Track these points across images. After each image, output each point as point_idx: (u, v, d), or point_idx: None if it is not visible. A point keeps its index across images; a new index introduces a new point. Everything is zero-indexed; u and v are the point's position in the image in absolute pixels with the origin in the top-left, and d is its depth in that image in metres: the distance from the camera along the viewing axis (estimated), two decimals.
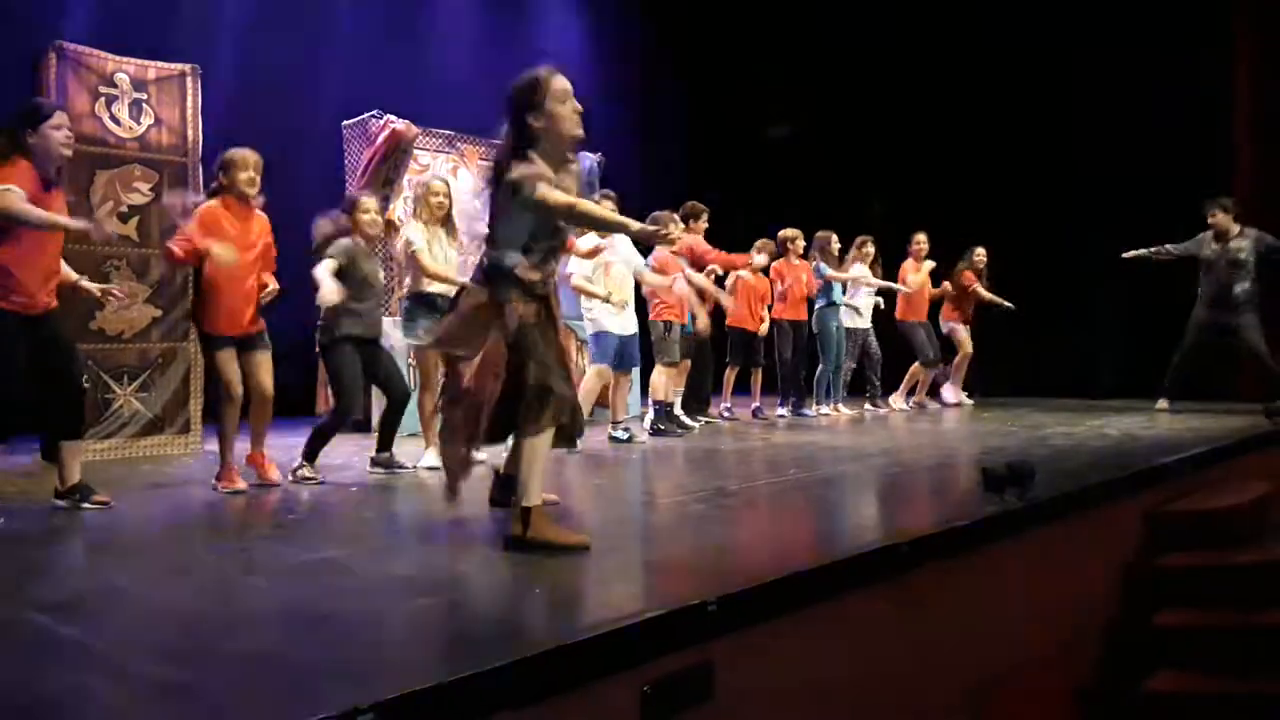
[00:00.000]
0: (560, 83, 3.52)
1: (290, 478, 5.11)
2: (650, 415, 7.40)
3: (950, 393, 9.64)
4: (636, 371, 7.51)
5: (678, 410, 7.63)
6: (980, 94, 10.35)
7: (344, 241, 5.31)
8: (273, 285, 5.05)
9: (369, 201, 5.50)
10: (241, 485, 4.81)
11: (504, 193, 3.51)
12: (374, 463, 5.49)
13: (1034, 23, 9.99)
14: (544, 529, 3.36)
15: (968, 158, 10.32)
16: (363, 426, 7.40)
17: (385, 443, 5.53)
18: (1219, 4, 9.46)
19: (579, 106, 3.56)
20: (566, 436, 3.73)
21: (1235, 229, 7.99)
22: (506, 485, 3.88)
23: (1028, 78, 10.03)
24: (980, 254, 9.52)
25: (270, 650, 2.34)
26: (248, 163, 4.89)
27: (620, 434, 6.81)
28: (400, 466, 5.46)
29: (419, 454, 5.67)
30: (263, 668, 2.24)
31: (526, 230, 3.51)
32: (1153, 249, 8.40)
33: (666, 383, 7.27)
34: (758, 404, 8.78)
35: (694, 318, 7.44)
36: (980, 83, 10.33)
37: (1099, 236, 9.86)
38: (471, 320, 3.54)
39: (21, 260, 4.19)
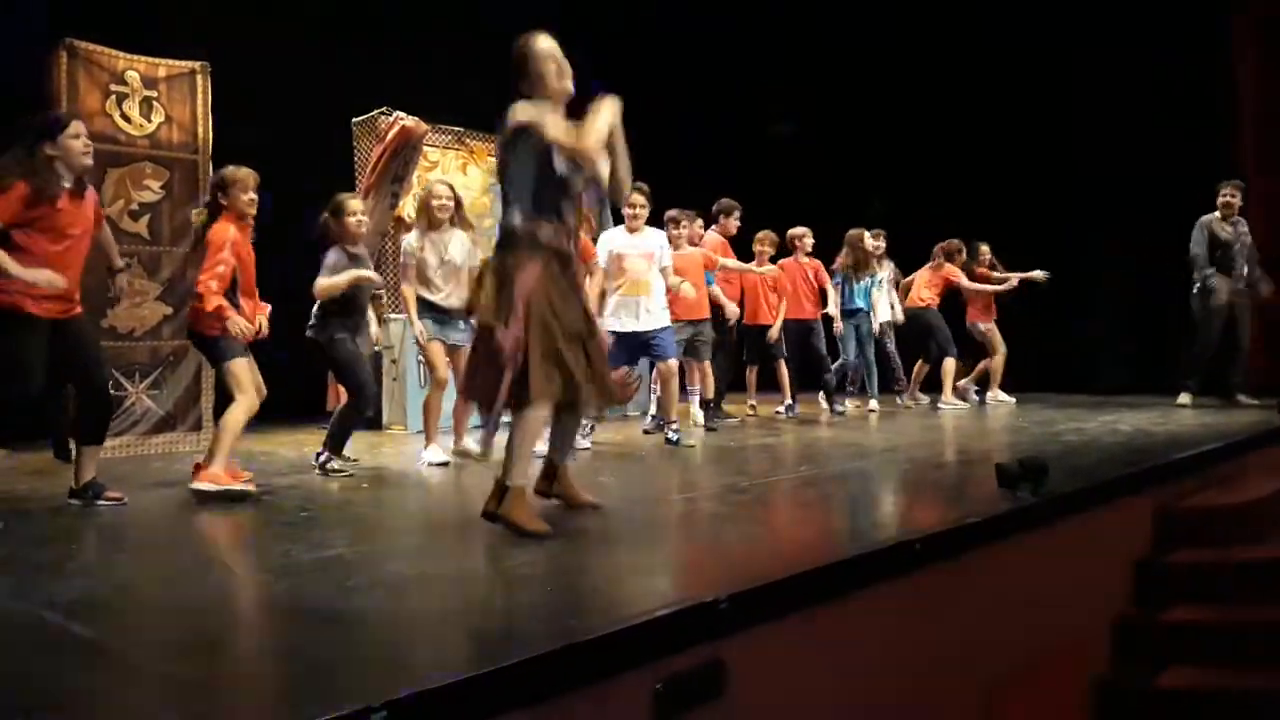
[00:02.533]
0: (542, 44, 3.70)
1: (319, 472, 5.14)
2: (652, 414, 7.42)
3: (975, 392, 9.48)
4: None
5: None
6: (981, 93, 10.31)
7: (333, 259, 5.30)
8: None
9: (354, 203, 5.48)
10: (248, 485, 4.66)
11: (510, 142, 3.62)
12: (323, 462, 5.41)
13: (1034, 22, 9.94)
14: (514, 510, 3.46)
15: (968, 156, 10.28)
16: (374, 423, 7.44)
17: (339, 447, 5.45)
18: (1221, 3, 9.40)
19: (563, 62, 3.71)
20: (575, 407, 3.77)
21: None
22: (549, 475, 3.95)
23: (1028, 77, 9.99)
24: (984, 250, 9.46)
25: (283, 648, 2.35)
26: (249, 184, 4.80)
27: (672, 435, 6.40)
28: (339, 471, 5.32)
29: (418, 452, 5.70)
30: (275, 666, 2.25)
31: (529, 186, 3.59)
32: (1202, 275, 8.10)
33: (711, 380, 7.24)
34: (752, 401, 8.75)
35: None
36: (981, 82, 10.28)
37: (1099, 235, 9.85)
38: (488, 289, 3.58)
39: (55, 263, 4.20)
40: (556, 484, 3.98)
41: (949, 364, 9.11)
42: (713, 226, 8.18)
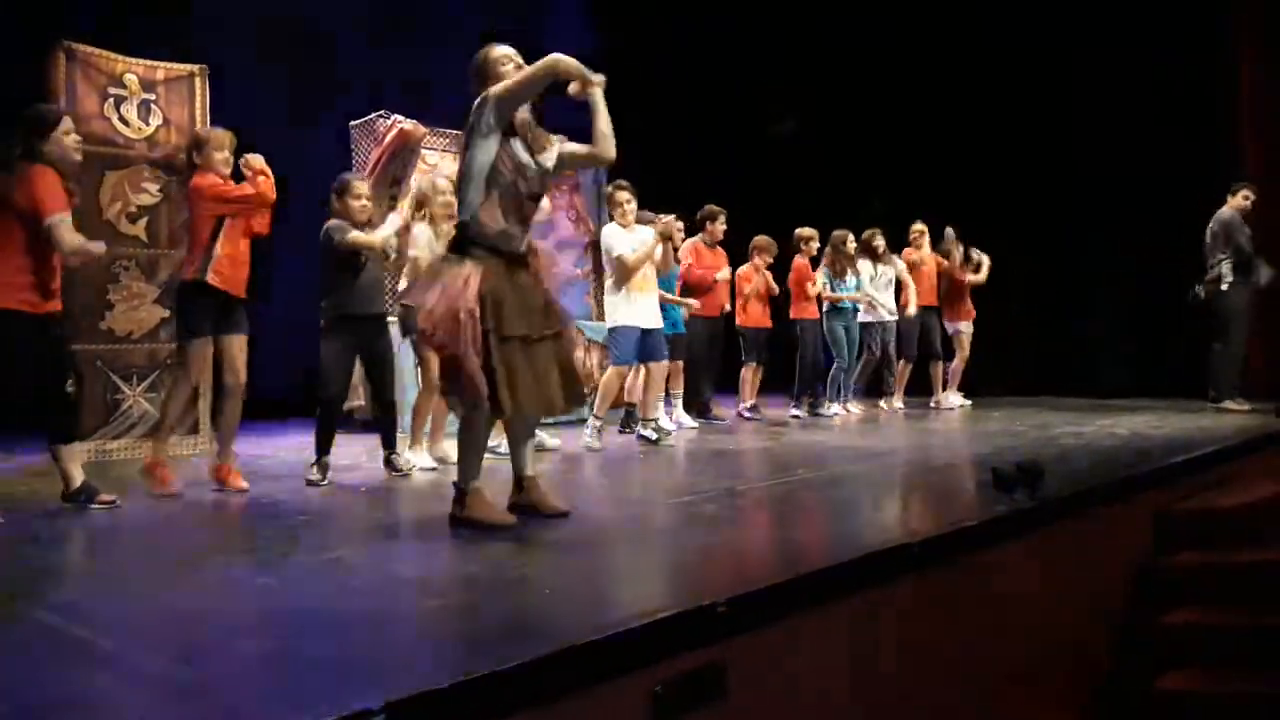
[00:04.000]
0: (498, 51, 3.83)
1: (308, 481, 5.12)
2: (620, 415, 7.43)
3: (950, 396, 9.55)
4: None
5: (661, 414, 7.61)
6: (981, 93, 10.32)
7: (332, 223, 5.29)
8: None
9: (361, 186, 5.45)
10: (173, 489, 4.74)
11: (469, 133, 3.74)
12: (386, 463, 5.43)
13: (1034, 22, 9.95)
14: (474, 509, 3.59)
15: (969, 157, 10.29)
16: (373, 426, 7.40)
17: (387, 443, 5.46)
18: (1221, 2, 9.42)
19: (521, 63, 3.81)
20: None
21: None
22: (519, 485, 3.97)
23: (1028, 77, 10.00)
24: (948, 235, 9.44)
25: (281, 651, 2.35)
26: (222, 142, 4.89)
27: (649, 433, 6.61)
28: (396, 470, 5.37)
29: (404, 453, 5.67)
30: (274, 668, 2.25)
31: (481, 187, 3.68)
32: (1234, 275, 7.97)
33: (634, 384, 7.22)
34: (754, 401, 8.75)
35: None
36: (981, 81, 10.30)
37: (1099, 235, 9.86)
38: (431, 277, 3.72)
39: (34, 260, 4.24)
40: (524, 494, 3.91)
41: (901, 365, 9.28)
42: (699, 234, 8.30)
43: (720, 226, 8.26)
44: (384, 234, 5.32)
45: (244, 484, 4.89)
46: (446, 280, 3.58)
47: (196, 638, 2.50)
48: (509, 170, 3.70)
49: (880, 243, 8.97)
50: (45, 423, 4.49)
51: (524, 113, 3.76)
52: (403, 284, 5.84)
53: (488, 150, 3.68)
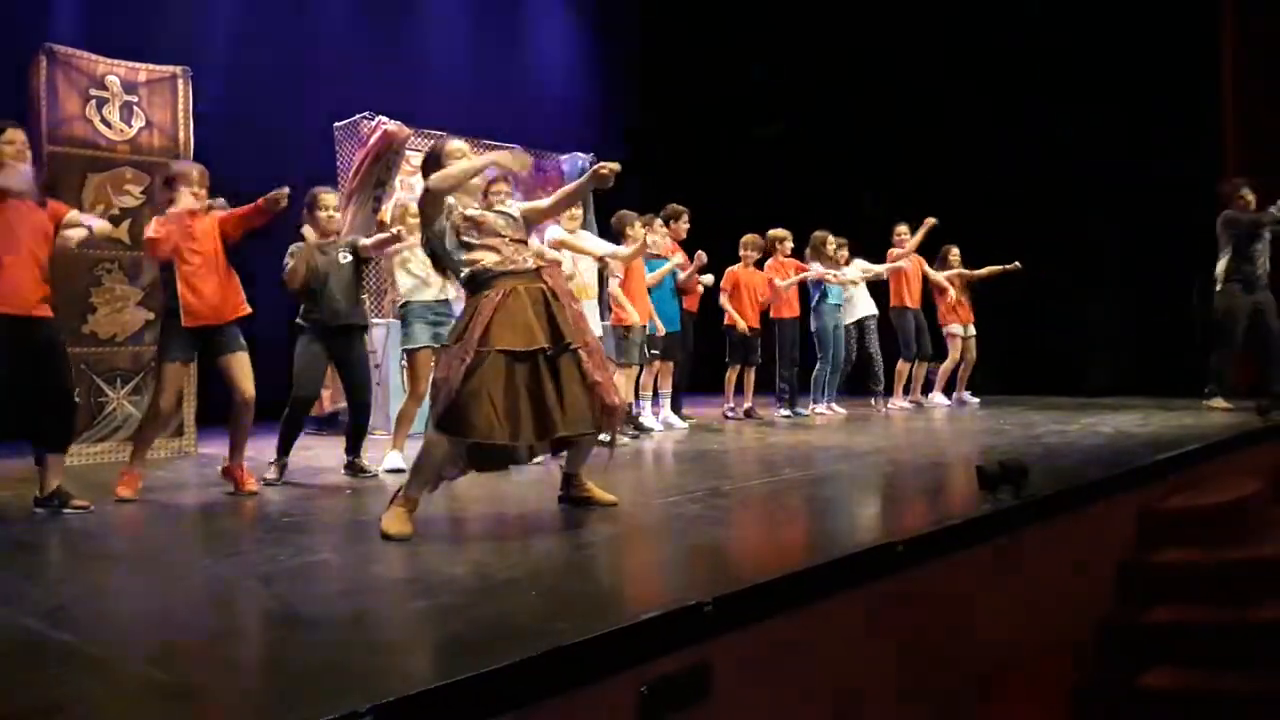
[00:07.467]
0: (453, 145, 4.08)
1: (263, 480, 5.11)
2: None
3: (940, 395, 9.58)
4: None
5: (647, 413, 7.60)
6: (973, 90, 10.36)
7: (296, 246, 5.35)
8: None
9: (329, 198, 5.50)
10: (130, 495, 4.67)
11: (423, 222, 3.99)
12: (345, 467, 5.47)
13: (1028, 18, 9.99)
14: (384, 516, 3.64)
15: (960, 155, 10.33)
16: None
17: (351, 448, 5.50)
18: (1206, 6, 9.47)
19: (474, 157, 4.05)
20: (483, 459, 3.89)
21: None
22: (568, 483, 4.20)
23: (1021, 74, 10.04)
24: (954, 254, 9.54)
25: (267, 653, 2.34)
26: (192, 178, 4.88)
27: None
28: (363, 471, 5.39)
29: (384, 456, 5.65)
30: (259, 671, 2.24)
31: (459, 252, 3.88)
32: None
33: (625, 385, 7.14)
34: (749, 404, 8.77)
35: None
36: (973, 79, 10.34)
37: (1083, 235, 9.92)
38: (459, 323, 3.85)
39: (8, 262, 4.22)
40: (574, 490, 4.17)
41: (900, 364, 9.30)
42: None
43: (684, 225, 8.14)
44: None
45: (254, 486, 4.91)
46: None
47: (182, 641, 2.49)
48: (470, 230, 3.87)
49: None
50: (38, 429, 4.46)
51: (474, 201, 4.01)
52: (400, 280, 5.82)
53: (444, 232, 3.89)
